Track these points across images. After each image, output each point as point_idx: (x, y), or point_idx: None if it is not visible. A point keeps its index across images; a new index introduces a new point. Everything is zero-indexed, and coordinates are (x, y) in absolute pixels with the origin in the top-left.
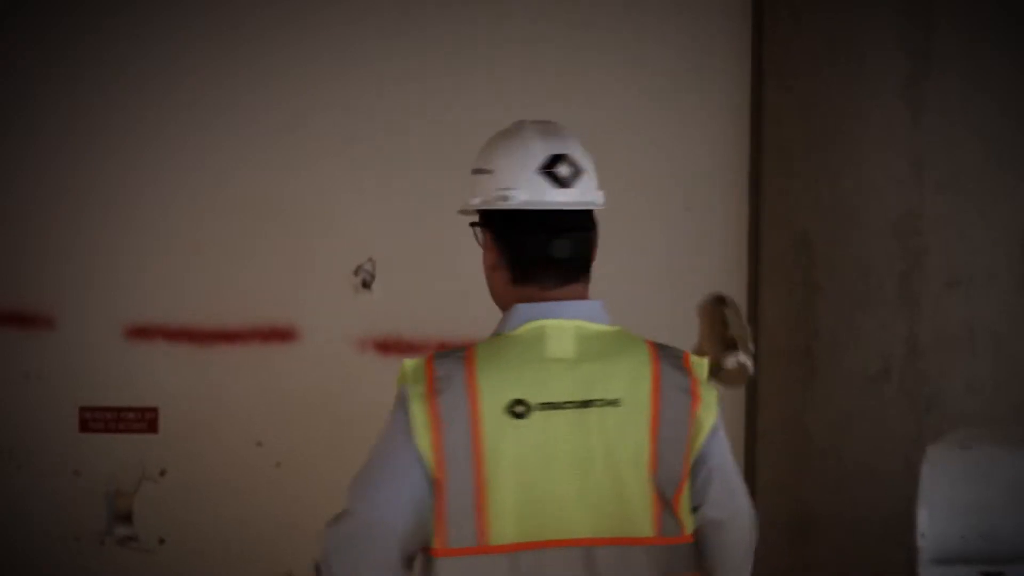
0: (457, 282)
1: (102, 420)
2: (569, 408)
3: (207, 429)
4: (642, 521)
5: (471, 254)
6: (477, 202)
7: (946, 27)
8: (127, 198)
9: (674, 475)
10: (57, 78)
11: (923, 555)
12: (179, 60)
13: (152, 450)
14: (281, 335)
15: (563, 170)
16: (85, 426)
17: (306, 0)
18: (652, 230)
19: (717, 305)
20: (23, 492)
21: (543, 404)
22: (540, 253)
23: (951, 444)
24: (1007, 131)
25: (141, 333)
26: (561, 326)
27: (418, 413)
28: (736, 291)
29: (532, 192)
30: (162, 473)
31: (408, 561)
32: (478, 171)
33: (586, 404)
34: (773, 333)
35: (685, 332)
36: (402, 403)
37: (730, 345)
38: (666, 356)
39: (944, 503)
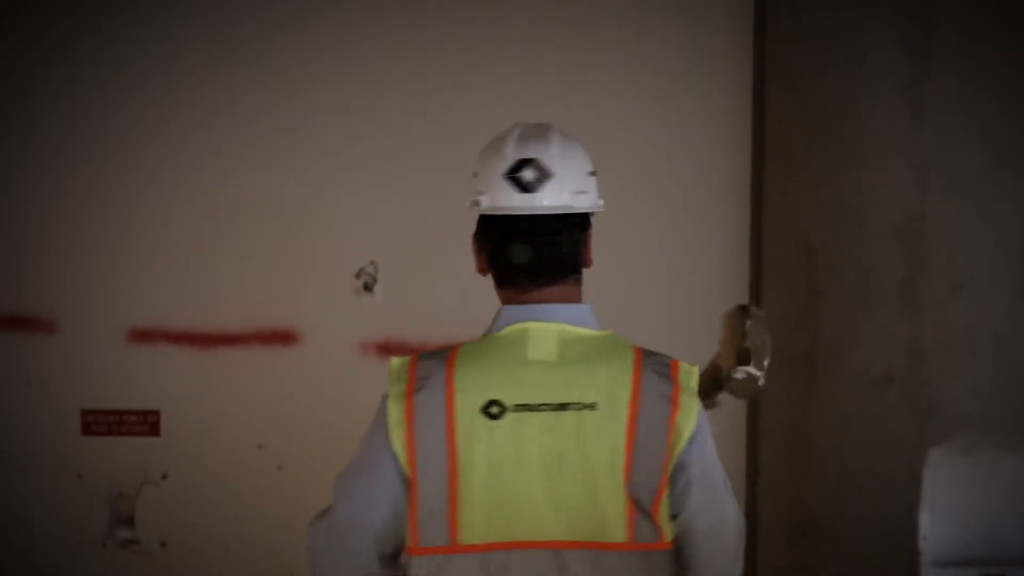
0: (459, 284)
1: (104, 423)
2: (545, 411)
3: (209, 432)
4: (615, 526)
5: (472, 256)
6: (467, 205)
7: (946, 27)
8: (127, 199)
9: (651, 482)
10: (57, 78)
11: (925, 558)
12: (179, 60)
13: (154, 453)
14: (283, 338)
15: (527, 175)
16: (87, 429)
17: (306, 0)
18: (652, 231)
19: (739, 315)
20: (25, 495)
21: (518, 406)
22: (504, 257)
23: (953, 448)
24: (1007, 132)
25: (143, 336)
26: (544, 329)
27: (394, 412)
28: (738, 293)
29: (496, 197)
30: (164, 476)
31: (388, 560)
32: (473, 173)
33: (563, 407)
34: (775, 336)
35: (685, 333)
36: (383, 402)
37: (743, 356)
38: (650, 363)
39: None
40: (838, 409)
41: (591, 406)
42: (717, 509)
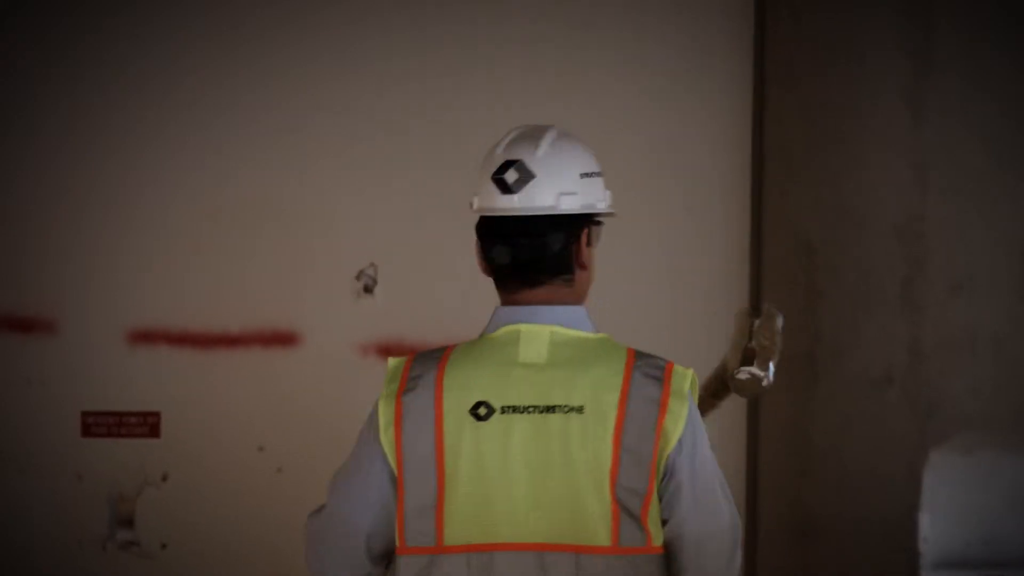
0: (459, 285)
1: (104, 424)
2: (532, 413)
3: (209, 434)
4: (598, 530)
5: (473, 257)
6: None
7: (946, 27)
8: (127, 199)
9: (639, 486)
10: (57, 78)
11: (925, 559)
12: (179, 60)
13: (154, 454)
14: (283, 340)
15: (510, 176)
16: (87, 431)
17: (306, 0)
18: (652, 231)
19: (748, 315)
20: (25, 497)
21: (505, 407)
22: (487, 258)
23: (953, 449)
24: (1007, 132)
25: (143, 337)
26: (536, 331)
27: (384, 412)
28: (738, 293)
29: (483, 197)
30: (164, 478)
31: (379, 558)
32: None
33: (549, 410)
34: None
35: (685, 333)
36: (376, 402)
37: (748, 355)
38: (642, 366)
39: (946, 507)
40: (838, 409)
41: (578, 409)
42: (709, 515)
